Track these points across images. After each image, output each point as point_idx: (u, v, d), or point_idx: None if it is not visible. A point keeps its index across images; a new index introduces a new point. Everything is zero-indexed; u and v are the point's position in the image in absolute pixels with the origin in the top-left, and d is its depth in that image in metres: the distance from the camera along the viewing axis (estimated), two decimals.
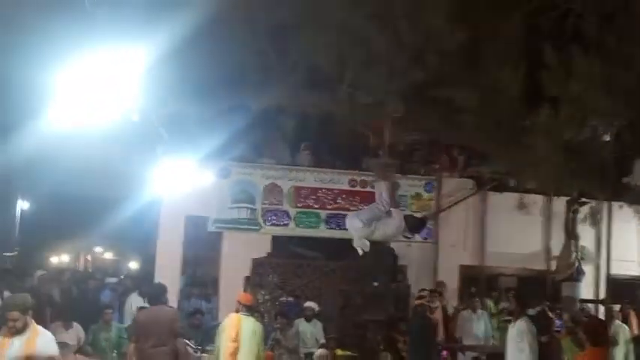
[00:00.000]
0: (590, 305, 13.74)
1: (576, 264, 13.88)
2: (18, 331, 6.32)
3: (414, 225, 7.83)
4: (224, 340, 9.46)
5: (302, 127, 14.37)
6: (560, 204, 14.52)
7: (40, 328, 6.51)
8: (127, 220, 14.13)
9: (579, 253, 13.98)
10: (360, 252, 8.03)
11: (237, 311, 9.68)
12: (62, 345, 8.70)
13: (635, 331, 12.78)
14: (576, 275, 13.98)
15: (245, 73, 6.89)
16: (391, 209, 7.64)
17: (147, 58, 6.19)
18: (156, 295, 9.71)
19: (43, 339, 6.37)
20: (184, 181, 12.37)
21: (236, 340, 9.37)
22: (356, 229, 7.71)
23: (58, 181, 13.14)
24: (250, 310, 9.75)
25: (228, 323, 9.61)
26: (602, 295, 14.10)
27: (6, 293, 11.47)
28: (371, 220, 7.65)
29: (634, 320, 13.03)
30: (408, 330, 11.89)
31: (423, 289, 13.87)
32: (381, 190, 7.72)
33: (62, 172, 12.31)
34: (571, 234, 14.00)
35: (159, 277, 13.46)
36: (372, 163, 8.10)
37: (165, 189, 12.71)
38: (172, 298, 13.22)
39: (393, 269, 13.26)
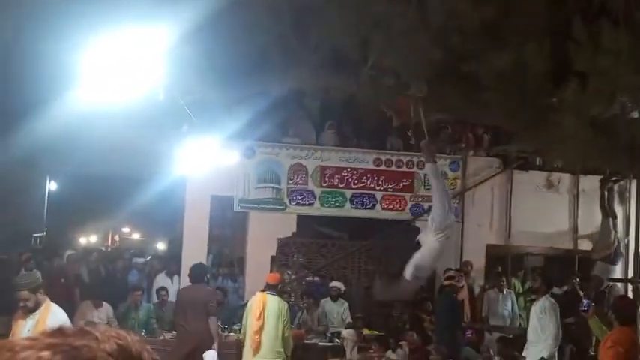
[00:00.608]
0: (618, 284, 13.62)
1: (615, 244, 13.69)
2: (30, 311, 6.19)
3: None
4: (249, 319, 9.57)
5: (327, 106, 14.35)
6: (586, 182, 14.39)
7: (54, 306, 6.36)
8: (153, 200, 14.19)
9: (618, 232, 13.81)
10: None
11: (263, 290, 9.77)
12: (91, 324, 8.85)
13: None
14: (613, 257, 13.79)
15: (267, 57, 6.88)
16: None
17: (171, 39, 6.21)
18: (196, 274, 10.13)
19: (54, 318, 6.14)
20: (210, 161, 12.43)
21: (260, 318, 9.48)
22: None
23: (86, 161, 13.22)
24: (275, 289, 9.82)
25: (254, 302, 9.72)
26: (630, 274, 13.98)
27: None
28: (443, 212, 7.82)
29: None
30: (435, 309, 11.90)
31: (450, 269, 13.84)
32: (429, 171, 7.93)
33: (90, 152, 12.38)
34: (609, 213, 13.85)
35: (186, 257, 13.59)
36: (422, 145, 8.07)
37: (190, 169, 12.78)
38: None
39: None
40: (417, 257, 8.12)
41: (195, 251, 13.59)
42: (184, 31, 6.20)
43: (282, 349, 9.58)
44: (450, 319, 10.94)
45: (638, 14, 6.47)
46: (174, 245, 15.75)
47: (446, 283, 11.33)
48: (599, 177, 14.03)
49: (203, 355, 9.51)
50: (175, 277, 13.51)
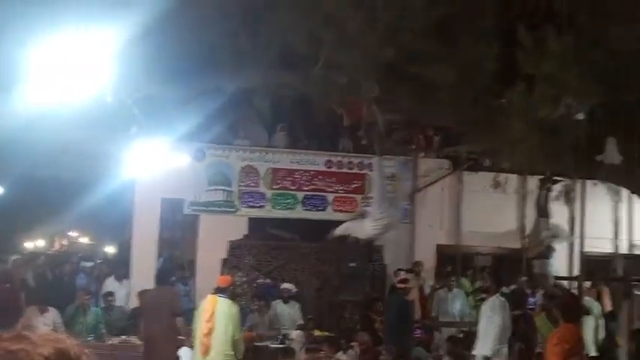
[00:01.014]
0: (564, 282, 13.86)
1: (546, 241, 13.93)
2: None
3: None
4: (200, 322, 9.52)
5: (277, 108, 14.33)
6: (534, 182, 14.60)
7: None
8: (102, 203, 13.97)
9: (550, 230, 14.05)
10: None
11: (214, 293, 9.73)
12: (29, 329, 8.77)
13: (607, 307, 12.98)
14: (546, 252, 14.06)
15: (218, 55, 6.84)
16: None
17: (120, 39, 6.13)
18: (161, 277, 10.64)
19: None
20: (159, 164, 12.30)
21: (210, 320, 9.44)
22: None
23: (33, 163, 12.96)
24: (226, 291, 9.77)
25: (204, 305, 9.67)
26: (575, 272, 14.24)
27: None
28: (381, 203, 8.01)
29: (606, 296, 13.22)
30: (385, 310, 11.97)
31: (401, 270, 13.94)
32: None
33: (36, 154, 12.15)
34: (542, 212, 14.09)
35: (135, 261, 13.44)
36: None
37: (140, 171, 12.64)
38: (150, 281, 13.20)
39: (369, 250, 13.31)
40: (351, 227, 8.35)
41: (144, 255, 13.44)
42: (133, 31, 6.12)
43: (232, 353, 9.51)
44: (400, 320, 11.02)
45: (581, 19, 6.62)
46: (123, 249, 15.55)
47: (400, 286, 11.41)
48: (543, 178, 14.24)
49: (178, 352, 10.01)
50: (125, 281, 13.33)
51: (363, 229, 8.43)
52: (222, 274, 13.29)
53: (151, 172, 12.59)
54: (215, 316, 9.48)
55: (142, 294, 10.87)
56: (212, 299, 9.69)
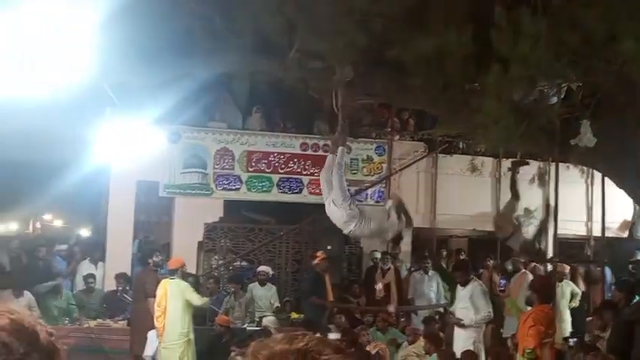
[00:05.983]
0: (539, 265, 13.99)
1: (517, 223, 13.90)
2: None
3: None
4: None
5: (253, 90, 14.27)
6: (508, 165, 14.67)
7: None
8: (76, 185, 13.84)
9: (519, 212, 14.02)
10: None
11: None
12: None
13: (582, 288, 13.14)
14: (516, 236, 13.95)
15: (192, 40, 6.81)
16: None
17: (95, 21, 6.08)
18: (141, 257, 11.56)
19: None
20: (134, 146, 12.26)
21: (160, 304, 10.06)
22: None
23: (5, 146, 12.81)
24: (175, 273, 10.30)
25: (158, 289, 10.22)
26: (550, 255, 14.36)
27: None
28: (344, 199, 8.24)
29: (580, 277, 13.39)
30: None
31: (375, 251, 14.00)
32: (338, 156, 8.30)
33: (9, 136, 12.01)
34: (515, 194, 14.07)
35: (110, 244, 13.39)
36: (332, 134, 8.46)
37: (114, 154, 12.58)
38: (125, 264, 13.17)
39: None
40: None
41: (120, 237, 13.40)
42: (107, 14, 6.08)
43: (186, 330, 10.06)
44: (313, 292, 11.69)
45: (556, 1, 6.65)
46: (98, 232, 15.45)
47: (316, 262, 11.82)
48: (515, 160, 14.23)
49: (148, 334, 10.52)
50: (100, 264, 13.28)
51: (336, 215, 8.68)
52: (198, 257, 13.37)
53: (126, 154, 12.52)
54: (166, 298, 10.03)
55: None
56: (163, 283, 10.25)
